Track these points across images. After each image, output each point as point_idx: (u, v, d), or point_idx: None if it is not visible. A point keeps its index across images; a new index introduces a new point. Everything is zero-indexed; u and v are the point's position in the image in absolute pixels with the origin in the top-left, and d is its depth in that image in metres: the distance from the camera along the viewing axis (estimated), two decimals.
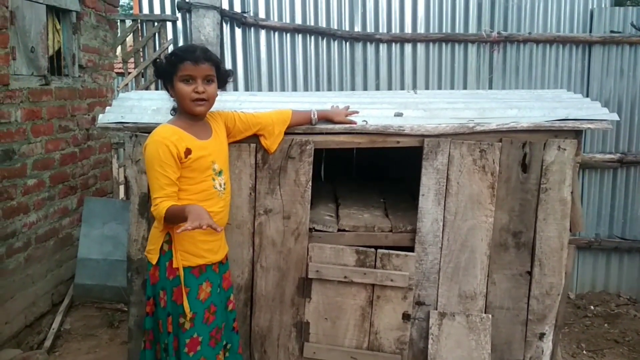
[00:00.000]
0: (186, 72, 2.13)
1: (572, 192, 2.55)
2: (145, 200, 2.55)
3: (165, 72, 2.19)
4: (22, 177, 3.55)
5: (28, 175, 3.61)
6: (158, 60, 2.27)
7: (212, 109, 2.30)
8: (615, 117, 2.59)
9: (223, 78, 2.28)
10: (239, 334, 2.44)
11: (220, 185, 2.24)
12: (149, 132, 2.46)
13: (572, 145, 2.52)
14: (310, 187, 2.57)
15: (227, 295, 2.37)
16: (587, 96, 4.49)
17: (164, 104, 2.40)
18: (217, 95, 2.26)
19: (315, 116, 2.50)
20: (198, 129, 2.22)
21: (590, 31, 4.56)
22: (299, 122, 2.50)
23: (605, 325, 4.19)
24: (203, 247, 2.22)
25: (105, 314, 3.96)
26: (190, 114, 2.20)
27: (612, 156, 4.57)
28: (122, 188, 4.77)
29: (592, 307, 4.46)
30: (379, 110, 2.70)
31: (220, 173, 2.25)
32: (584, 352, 3.76)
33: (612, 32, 4.52)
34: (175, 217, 2.06)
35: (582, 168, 4.57)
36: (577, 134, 2.55)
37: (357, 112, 2.58)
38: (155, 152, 2.09)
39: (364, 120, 2.56)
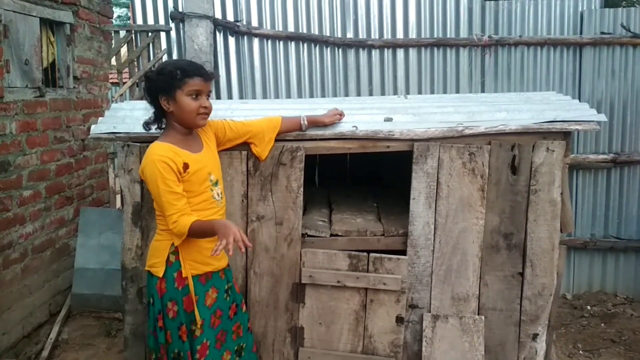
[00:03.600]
0: (196, 87, 2.16)
1: (561, 193, 2.58)
2: (139, 210, 2.57)
3: (167, 85, 2.16)
4: (18, 189, 3.57)
5: (24, 186, 3.63)
6: (151, 74, 2.23)
7: None
8: (603, 117, 2.61)
9: None
10: (252, 334, 2.49)
11: (218, 195, 2.29)
12: (141, 142, 2.51)
13: (560, 147, 2.54)
14: (302, 193, 2.59)
15: (240, 297, 2.43)
16: (579, 97, 4.52)
17: (148, 111, 2.41)
18: None
19: (305, 121, 2.53)
20: (190, 142, 2.25)
21: (581, 33, 4.59)
22: (289, 128, 2.53)
23: (602, 325, 4.20)
24: (208, 255, 2.25)
25: (103, 323, 3.98)
26: (191, 127, 2.24)
27: (605, 156, 4.59)
28: (118, 198, 4.79)
29: (588, 307, 4.47)
30: (369, 115, 2.73)
31: (216, 183, 2.29)
32: (581, 352, 3.77)
33: (602, 33, 4.55)
34: (202, 233, 2.14)
35: (576, 169, 4.59)
36: (565, 135, 2.57)
37: (342, 114, 2.62)
38: (156, 171, 2.10)
39: (354, 126, 2.59)
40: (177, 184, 2.13)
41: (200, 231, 2.13)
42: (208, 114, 2.25)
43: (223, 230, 2.01)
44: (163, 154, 2.12)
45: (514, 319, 2.65)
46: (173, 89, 2.16)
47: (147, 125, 2.33)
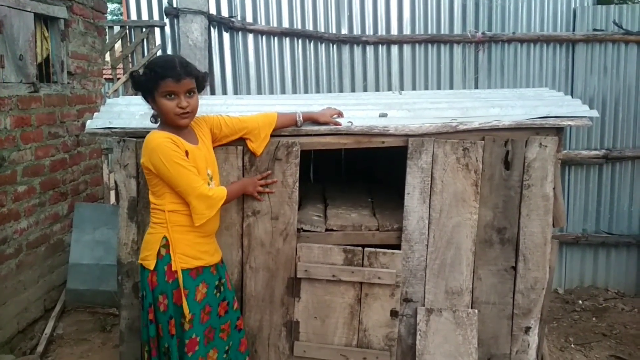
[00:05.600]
0: (168, 88, 2.15)
1: (554, 188, 2.60)
2: (134, 205, 2.58)
3: (146, 87, 2.19)
4: (12, 184, 3.57)
5: (18, 182, 3.63)
6: (135, 73, 2.24)
7: (198, 114, 2.34)
8: (595, 113, 2.64)
9: (201, 85, 2.30)
10: (242, 332, 2.48)
11: None
12: (137, 137, 2.51)
13: (553, 142, 2.57)
14: (297, 188, 2.60)
15: (232, 294, 2.44)
16: (572, 94, 4.56)
17: (152, 109, 2.44)
18: (198, 104, 2.28)
19: (301, 118, 2.54)
20: (185, 136, 2.25)
21: (574, 30, 4.63)
22: (285, 124, 2.54)
23: (594, 319, 4.24)
24: (200, 249, 2.27)
25: (98, 318, 3.98)
26: (174, 127, 2.23)
27: (597, 152, 4.63)
28: (113, 193, 4.79)
29: (580, 302, 4.52)
30: (364, 111, 2.75)
31: (212, 178, 2.31)
32: (572, 345, 3.81)
33: (595, 30, 4.59)
34: (235, 194, 2.44)
35: (568, 165, 4.63)
36: (558, 131, 2.60)
37: (341, 114, 2.62)
38: (168, 150, 2.12)
39: (349, 121, 2.60)
40: (186, 159, 2.15)
41: (234, 194, 2.40)
42: (189, 112, 2.20)
43: (249, 188, 2.50)
44: (167, 137, 2.15)
45: (506, 312, 2.68)
46: (151, 90, 2.18)
47: (154, 117, 2.33)
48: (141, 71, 2.26)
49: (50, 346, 3.66)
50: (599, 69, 4.63)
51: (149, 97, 2.22)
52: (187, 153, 2.18)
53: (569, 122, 2.57)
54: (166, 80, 2.14)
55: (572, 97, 3.33)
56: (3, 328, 3.48)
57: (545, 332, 2.99)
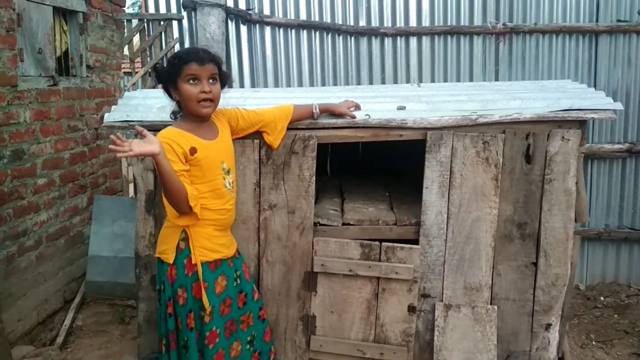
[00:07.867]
0: (191, 72, 2.15)
1: (576, 183, 2.54)
2: (152, 198, 2.58)
3: (169, 75, 2.20)
4: (32, 177, 3.60)
5: (38, 174, 3.66)
6: (159, 65, 2.28)
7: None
8: (619, 106, 2.57)
9: (223, 79, 2.29)
10: (265, 322, 2.48)
11: (230, 184, 2.29)
12: (155, 130, 2.50)
13: (576, 136, 2.51)
14: (314, 182, 2.58)
15: (251, 285, 2.42)
16: (595, 86, 4.46)
17: (169, 102, 2.44)
18: (220, 94, 2.28)
19: (317, 109, 2.51)
20: (204, 130, 2.24)
21: (597, 21, 4.52)
22: (301, 116, 2.52)
23: (615, 316, 4.17)
24: (217, 242, 2.26)
25: (117, 310, 4.02)
26: (197, 116, 2.22)
27: (620, 146, 4.53)
28: (131, 186, 4.83)
29: (602, 298, 4.44)
30: (382, 104, 2.71)
31: (228, 172, 2.29)
32: (594, 342, 3.74)
33: (618, 21, 4.48)
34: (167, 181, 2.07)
35: (591, 158, 4.54)
36: (581, 124, 2.54)
37: (359, 106, 2.59)
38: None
39: (367, 114, 2.57)
40: (177, 164, 2.10)
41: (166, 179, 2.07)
42: (212, 99, 2.19)
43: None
44: (167, 136, 2.14)
45: (527, 309, 2.63)
46: (175, 78, 2.18)
47: (174, 114, 2.34)
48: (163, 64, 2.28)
49: (70, 337, 3.70)
50: (623, 61, 4.52)
51: (172, 87, 2.21)
52: (193, 150, 2.15)
53: (592, 115, 2.50)
54: (190, 64, 2.14)
55: (595, 89, 3.25)
56: (23, 319, 3.52)
57: (566, 329, 2.94)
